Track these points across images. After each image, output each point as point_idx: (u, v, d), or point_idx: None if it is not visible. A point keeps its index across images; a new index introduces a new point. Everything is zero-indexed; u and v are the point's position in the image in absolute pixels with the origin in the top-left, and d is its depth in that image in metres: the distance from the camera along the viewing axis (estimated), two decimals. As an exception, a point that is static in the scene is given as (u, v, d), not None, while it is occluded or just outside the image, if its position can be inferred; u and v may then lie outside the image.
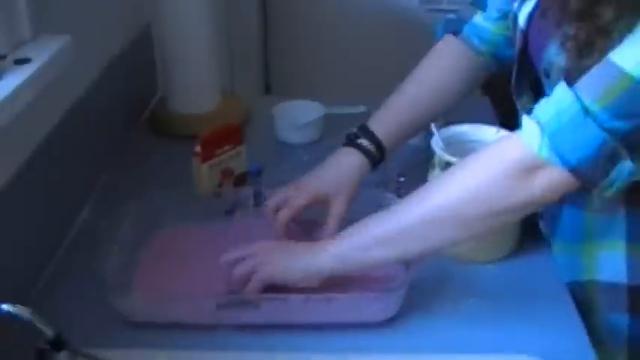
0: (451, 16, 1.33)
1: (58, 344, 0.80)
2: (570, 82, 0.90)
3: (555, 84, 0.94)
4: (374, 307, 1.03)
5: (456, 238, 1.01)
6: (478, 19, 1.26)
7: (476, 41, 1.26)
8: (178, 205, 1.22)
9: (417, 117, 1.26)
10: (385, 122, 1.23)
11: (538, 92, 1.12)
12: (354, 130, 1.22)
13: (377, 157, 1.21)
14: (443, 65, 1.29)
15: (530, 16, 1.08)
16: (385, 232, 1.00)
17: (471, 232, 0.99)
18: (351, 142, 1.21)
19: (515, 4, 1.13)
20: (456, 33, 1.28)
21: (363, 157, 1.20)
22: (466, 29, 1.27)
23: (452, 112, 1.34)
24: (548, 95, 0.97)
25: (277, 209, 1.16)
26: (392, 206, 1.05)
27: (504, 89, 1.36)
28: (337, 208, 1.15)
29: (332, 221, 1.14)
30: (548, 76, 1.03)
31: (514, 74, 1.15)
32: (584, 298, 1.11)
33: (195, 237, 1.19)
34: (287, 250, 1.07)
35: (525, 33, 1.09)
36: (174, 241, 1.19)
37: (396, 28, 2.43)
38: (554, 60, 1.00)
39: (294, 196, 1.16)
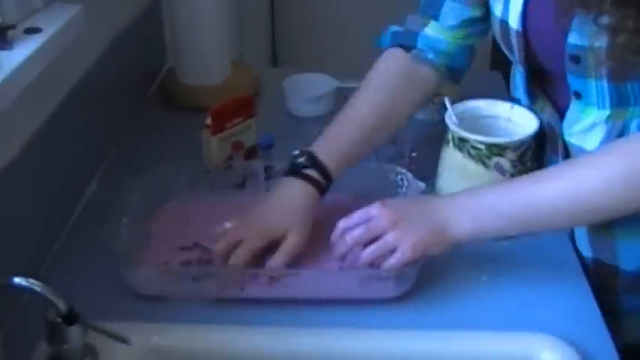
0: (396, 27, 1.23)
1: (70, 318, 0.80)
2: (619, 59, 0.92)
3: (590, 67, 0.95)
4: (387, 283, 1.02)
5: (584, 223, 1.07)
6: (430, 30, 1.19)
7: (431, 55, 1.20)
8: (188, 177, 1.21)
9: (365, 144, 1.17)
10: (333, 152, 1.13)
11: (546, 90, 1.11)
12: (300, 158, 1.12)
13: (325, 188, 1.11)
14: (393, 86, 1.21)
15: (524, 16, 1.05)
16: (512, 205, 1.00)
17: (602, 219, 1.03)
18: (297, 172, 1.11)
19: (498, 11, 1.09)
20: (404, 47, 1.21)
21: (314, 190, 1.10)
22: (419, 43, 1.20)
23: (464, 87, 1.32)
24: (571, 84, 0.97)
25: (228, 252, 1.06)
26: (534, 177, 1.02)
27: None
28: (291, 243, 1.06)
29: (282, 255, 1.05)
30: (578, 61, 0.99)
31: (524, 80, 1.13)
32: (603, 274, 1.10)
33: (206, 210, 1.18)
34: (420, 217, 1.02)
35: (523, 33, 1.06)
36: (185, 214, 1.18)
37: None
38: (586, 44, 0.97)
39: (249, 237, 1.06)
